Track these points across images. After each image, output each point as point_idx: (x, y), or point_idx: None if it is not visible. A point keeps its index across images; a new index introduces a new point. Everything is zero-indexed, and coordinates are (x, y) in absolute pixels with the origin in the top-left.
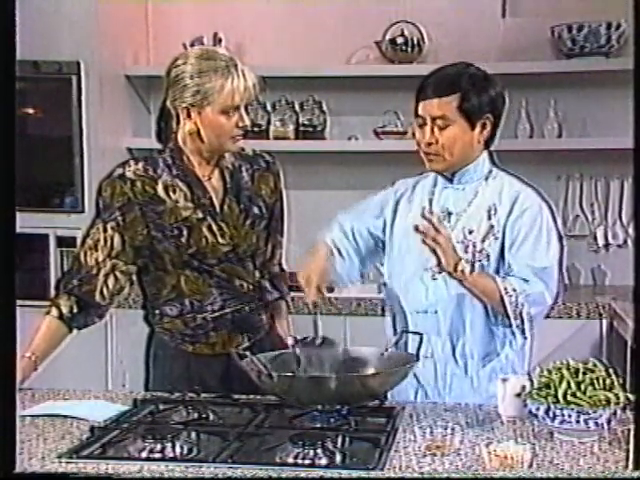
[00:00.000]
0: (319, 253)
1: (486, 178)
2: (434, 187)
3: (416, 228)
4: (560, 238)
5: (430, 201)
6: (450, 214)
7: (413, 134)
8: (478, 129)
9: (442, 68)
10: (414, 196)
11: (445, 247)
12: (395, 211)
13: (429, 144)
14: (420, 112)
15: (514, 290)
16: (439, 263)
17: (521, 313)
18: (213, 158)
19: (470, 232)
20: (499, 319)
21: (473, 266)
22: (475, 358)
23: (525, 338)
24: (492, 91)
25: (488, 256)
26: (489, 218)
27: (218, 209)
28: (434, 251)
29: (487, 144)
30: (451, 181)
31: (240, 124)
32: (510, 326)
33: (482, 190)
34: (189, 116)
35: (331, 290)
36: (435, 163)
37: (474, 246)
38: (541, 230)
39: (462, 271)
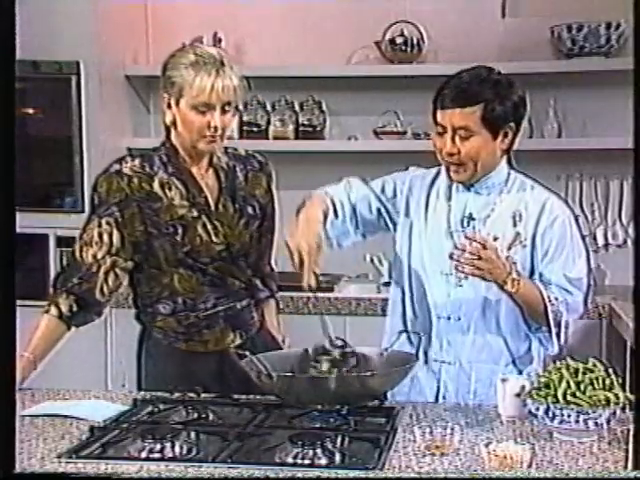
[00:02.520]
0: (314, 209)
1: (506, 182)
2: (450, 188)
3: (465, 247)
4: (585, 242)
5: (449, 205)
6: (473, 219)
7: (414, 134)
8: (500, 138)
9: (462, 73)
10: (430, 197)
11: (493, 264)
12: (408, 205)
13: (451, 154)
14: (440, 121)
15: (556, 299)
16: (485, 279)
17: (559, 322)
18: (205, 156)
19: (495, 239)
20: (533, 327)
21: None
22: (501, 364)
23: (560, 346)
24: (515, 97)
25: (514, 264)
26: (514, 225)
27: (213, 208)
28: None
29: (510, 151)
30: (471, 185)
31: (212, 124)
32: (546, 332)
33: (505, 195)
34: (169, 107)
35: (330, 290)
36: (459, 174)
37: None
38: (572, 239)
39: (512, 284)
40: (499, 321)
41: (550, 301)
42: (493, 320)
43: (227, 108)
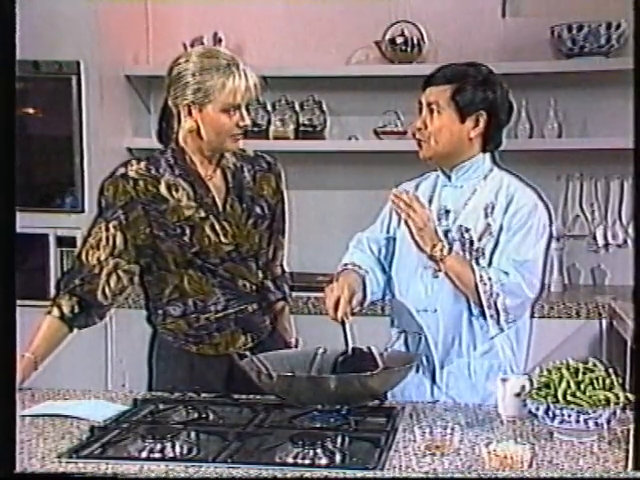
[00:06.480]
0: (349, 276)
1: (485, 177)
2: (434, 186)
3: (392, 201)
4: (550, 238)
5: (430, 200)
6: (448, 212)
7: (413, 134)
8: (469, 124)
9: (452, 64)
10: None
11: (421, 225)
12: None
13: (419, 129)
14: (420, 99)
15: (489, 279)
16: (417, 244)
17: (496, 303)
18: (214, 157)
19: (467, 230)
20: (478, 311)
21: (451, 250)
22: (472, 356)
23: (501, 330)
24: (489, 91)
25: (484, 253)
26: (486, 217)
27: (221, 208)
28: (411, 232)
29: (487, 145)
30: (449, 179)
31: (241, 123)
32: (485, 316)
33: (480, 189)
34: (190, 114)
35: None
36: (424, 150)
37: (471, 244)
38: (531, 228)
39: (440, 251)
40: (470, 313)
41: (482, 280)
42: (465, 312)
43: (249, 105)
